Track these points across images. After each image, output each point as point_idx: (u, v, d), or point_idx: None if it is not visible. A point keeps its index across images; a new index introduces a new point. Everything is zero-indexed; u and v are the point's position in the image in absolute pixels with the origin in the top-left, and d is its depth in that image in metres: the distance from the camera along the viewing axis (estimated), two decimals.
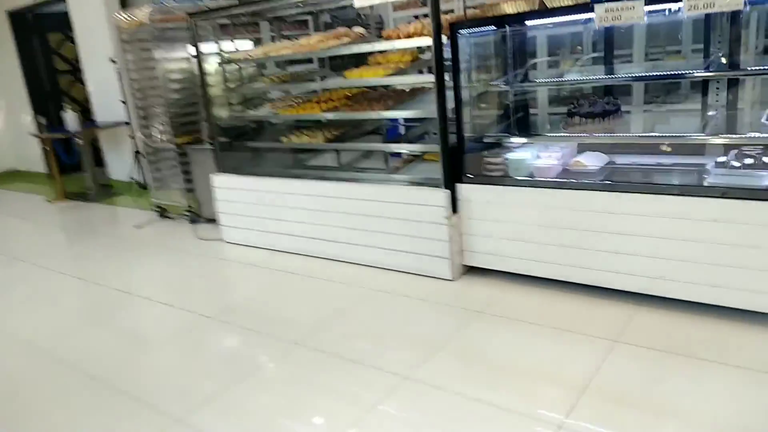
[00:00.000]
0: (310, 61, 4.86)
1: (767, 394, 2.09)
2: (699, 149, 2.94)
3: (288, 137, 4.14)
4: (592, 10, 2.65)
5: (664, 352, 2.40)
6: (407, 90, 3.98)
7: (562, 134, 3.19)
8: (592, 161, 3.17)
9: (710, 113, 2.93)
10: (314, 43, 3.93)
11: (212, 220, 4.69)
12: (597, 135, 3.00)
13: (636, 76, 3.28)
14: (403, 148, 3.74)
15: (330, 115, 3.79)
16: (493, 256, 3.23)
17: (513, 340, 2.65)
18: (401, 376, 2.44)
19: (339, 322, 3.02)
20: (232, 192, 4.36)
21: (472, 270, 3.34)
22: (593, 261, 2.88)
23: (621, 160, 3.23)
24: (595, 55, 3.74)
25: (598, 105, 3.11)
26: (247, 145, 4.43)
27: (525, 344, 2.60)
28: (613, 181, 2.88)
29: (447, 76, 3.19)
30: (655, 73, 3.02)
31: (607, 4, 2.57)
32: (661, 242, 2.68)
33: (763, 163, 2.57)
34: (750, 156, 2.63)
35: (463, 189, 3.25)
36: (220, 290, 3.80)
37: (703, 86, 3.04)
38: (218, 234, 4.51)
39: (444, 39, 3.15)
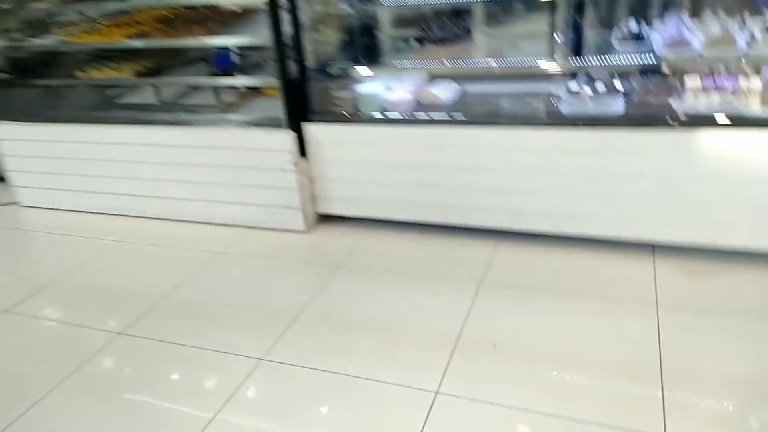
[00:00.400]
0: None
1: (632, 324, 2.11)
2: (550, 75, 2.84)
3: (87, 71, 3.34)
4: None
5: (529, 290, 2.35)
6: (238, 10, 3.36)
7: (414, 63, 2.89)
8: (444, 92, 2.95)
9: (558, 36, 2.82)
10: None
11: (2, 179, 3.77)
12: (450, 64, 2.75)
13: None
14: (233, 82, 3.19)
15: (137, 43, 3.08)
16: (349, 202, 2.93)
17: (377, 296, 2.43)
18: (255, 357, 2.10)
19: (178, 296, 2.56)
20: (22, 144, 3.49)
21: (327, 219, 3.02)
22: (452, 199, 2.72)
23: (472, 88, 3.05)
24: None
25: (448, 30, 2.85)
26: (35, 83, 3.53)
27: (390, 300, 2.39)
28: (466, 114, 2.68)
29: None
30: None
31: None
32: (517, 176, 2.58)
33: (614, 88, 2.53)
34: (600, 81, 2.57)
35: (311, 129, 2.86)
36: (21, 270, 3.06)
37: (550, 7, 2.90)
38: (11, 196, 3.64)
39: None
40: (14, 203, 3.63)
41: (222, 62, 3.59)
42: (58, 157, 3.39)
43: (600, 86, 2.54)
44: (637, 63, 2.49)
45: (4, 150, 3.54)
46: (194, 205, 3.15)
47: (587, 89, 2.54)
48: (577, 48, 2.73)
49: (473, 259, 2.59)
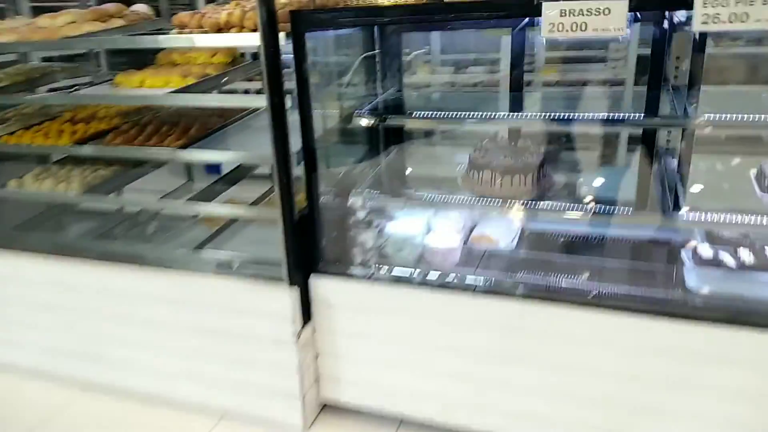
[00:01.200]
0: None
1: None
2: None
3: (21, 180, 2.51)
4: (532, 12, 1.58)
5: None
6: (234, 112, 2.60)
7: (464, 196, 2.08)
8: (500, 233, 2.17)
9: (668, 169, 2.08)
10: (60, 25, 2.36)
11: None
12: (520, 205, 1.96)
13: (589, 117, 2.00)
14: (214, 211, 2.39)
15: (87, 149, 2.27)
16: (368, 391, 2.06)
17: None
18: None
19: None
20: None
21: (334, 411, 2.13)
22: (525, 407, 1.87)
23: (539, 225, 2.28)
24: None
25: (514, 155, 2.07)
26: None
27: None
28: (539, 281, 1.87)
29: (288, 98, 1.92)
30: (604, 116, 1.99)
31: (563, 3, 1.51)
32: (621, 385, 1.75)
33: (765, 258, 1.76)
34: (743, 245, 1.80)
35: (320, 285, 2.02)
36: None
37: (644, 133, 2.15)
38: None
39: (282, 38, 1.87)
40: None
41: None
42: None
43: (746, 255, 1.77)
44: None
45: None
46: (151, 377, 2.25)
47: (728, 258, 1.77)
48: (699, 192, 1.97)
49: None
